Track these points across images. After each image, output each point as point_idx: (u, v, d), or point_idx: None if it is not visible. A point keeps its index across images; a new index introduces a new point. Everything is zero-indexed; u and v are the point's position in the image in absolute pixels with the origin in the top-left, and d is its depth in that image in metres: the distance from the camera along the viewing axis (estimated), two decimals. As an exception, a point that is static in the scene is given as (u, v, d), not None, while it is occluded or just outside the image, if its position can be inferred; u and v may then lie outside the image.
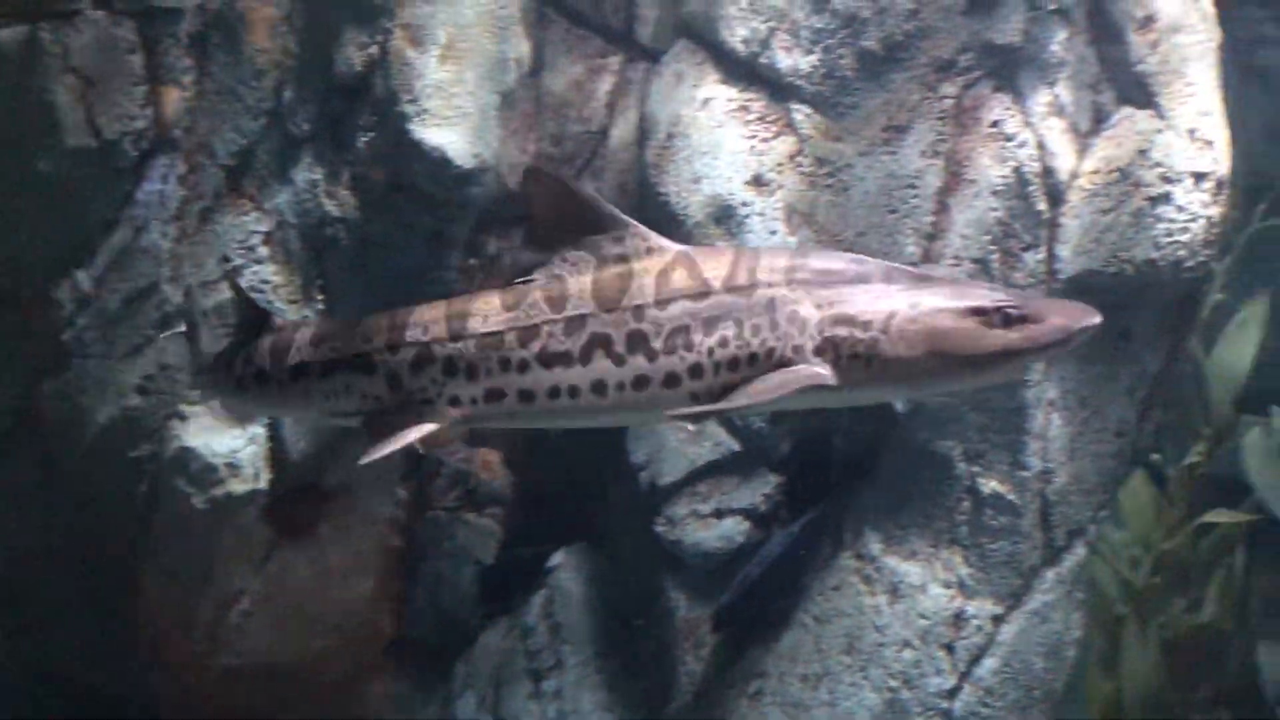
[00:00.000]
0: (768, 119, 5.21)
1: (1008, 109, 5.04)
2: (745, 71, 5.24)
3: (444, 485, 5.73)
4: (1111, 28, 4.99)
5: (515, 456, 5.71)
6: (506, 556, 5.74)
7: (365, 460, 3.42)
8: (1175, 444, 5.70)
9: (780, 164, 5.17)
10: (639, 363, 3.11)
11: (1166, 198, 4.94)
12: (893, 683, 5.14)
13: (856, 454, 5.30)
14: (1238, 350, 5.74)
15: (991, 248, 5.02)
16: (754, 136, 5.20)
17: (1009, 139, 5.01)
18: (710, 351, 3.07)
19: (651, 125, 5.36)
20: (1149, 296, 5.08)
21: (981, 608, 5.16)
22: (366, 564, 5.57)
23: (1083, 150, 5.04)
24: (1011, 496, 5.15)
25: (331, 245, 5.27)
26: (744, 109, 5.23)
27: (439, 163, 5.02)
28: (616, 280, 3.17)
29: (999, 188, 5.00)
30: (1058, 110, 5.02)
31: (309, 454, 5.29)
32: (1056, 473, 5.18)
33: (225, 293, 4.99)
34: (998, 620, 5.16)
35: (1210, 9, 5.14)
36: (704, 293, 3.11)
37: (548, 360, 3.19)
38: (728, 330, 3.07)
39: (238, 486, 5.16)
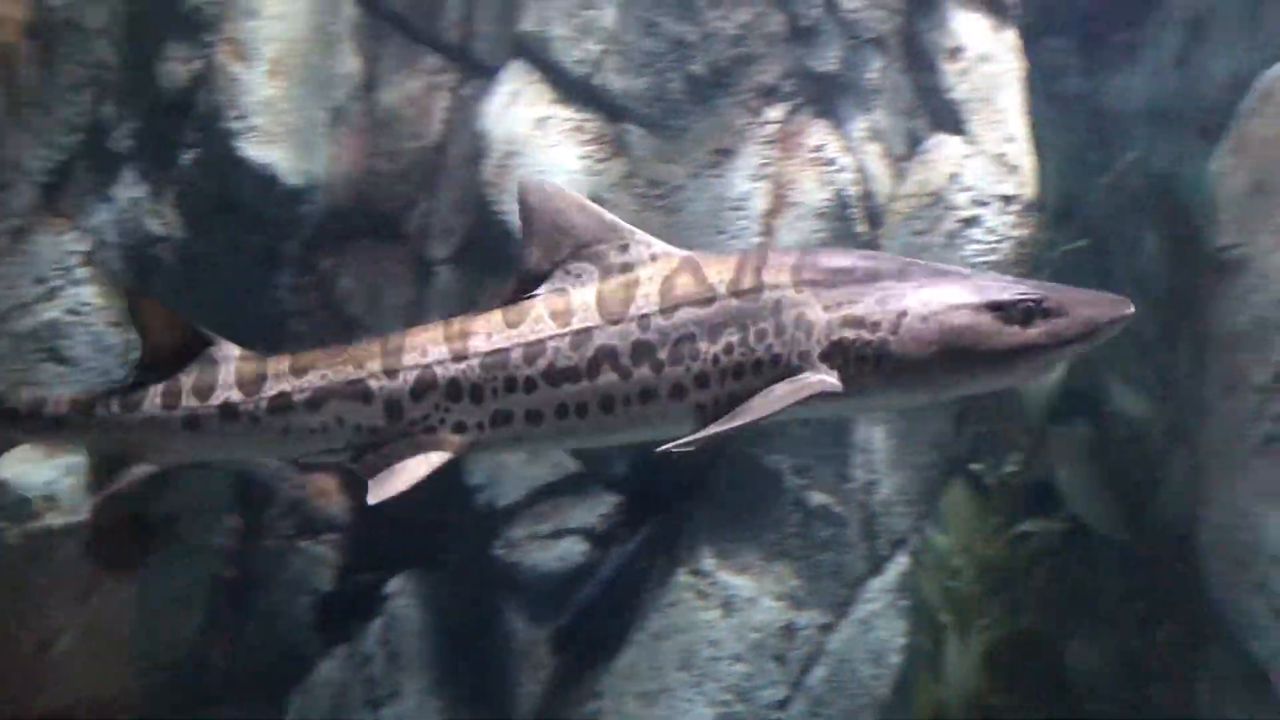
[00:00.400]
0: (603, 140, 5.29)
1: (829, 134, 5.23)
2: (580, 92, 5.31)
3: (277, 513, 5.61)
4: (924, 57, 5.23)
5: (352, 481, 5.62)
6: (344, 584, 5.64)
7: (375, 500, 3.11)
8: (994, 454, 5.96)
9: (615, 184, 5.26)
10: (644, 374, 2.98)
11: (977, 220, 5.20)
12: (726, 696, 5.22)
13: (691, 471, 5.39)
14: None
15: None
16: (590, 157, 5.28)
17: (830, 163, 5.20)
18: (716, 360, 2.95)
19: (488, 143, 5.38)
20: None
21: (810, 618, 5.29)
22: (195, 596, 5.41)
23: (899, 174, 5.27)
24: (837, 508, 5.30)
25: (156, 266, 5.12)
26: (580, 129, 5.30)
27: (267, 180, 4.95)
28: (621, 290, 3.04)
29: (822, 210, 5.18)
30: (875, 136, 5.23)
31: (132, 483, 5.10)
32: (880, 484, 5.36)
33: (42, 316, 4.77)
34: (826, 630, 5.29)
35: (1015, 40, 5.43)
36: (709, 298, 2.98)
37: (555, 377, 3.02)
38: (732, 337, 2.94)
39: (55, 520, 4.95)
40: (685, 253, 3.11)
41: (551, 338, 3.03)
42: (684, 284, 2.99)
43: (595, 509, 5.38)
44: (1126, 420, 5.98)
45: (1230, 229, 5.67)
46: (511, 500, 5.35)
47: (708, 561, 5.33)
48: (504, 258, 5.44)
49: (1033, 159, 5.38)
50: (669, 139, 5.30)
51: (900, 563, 5.42)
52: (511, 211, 5.31)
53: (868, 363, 2.88)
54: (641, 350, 2.97)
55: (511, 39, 5.48)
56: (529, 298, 3.12)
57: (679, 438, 2.92)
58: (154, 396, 3.34)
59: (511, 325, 3.08)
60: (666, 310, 2.97)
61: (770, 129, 5.25)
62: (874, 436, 5.33)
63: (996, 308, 2.89)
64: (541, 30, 5.37)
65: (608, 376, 2.98)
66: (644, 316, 2.99)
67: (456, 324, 3.16)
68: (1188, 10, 7.32)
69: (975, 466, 5.51)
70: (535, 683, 5.36)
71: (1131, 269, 7.37)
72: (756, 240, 5.20)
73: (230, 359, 3.34)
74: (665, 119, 5.29)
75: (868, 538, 5.37)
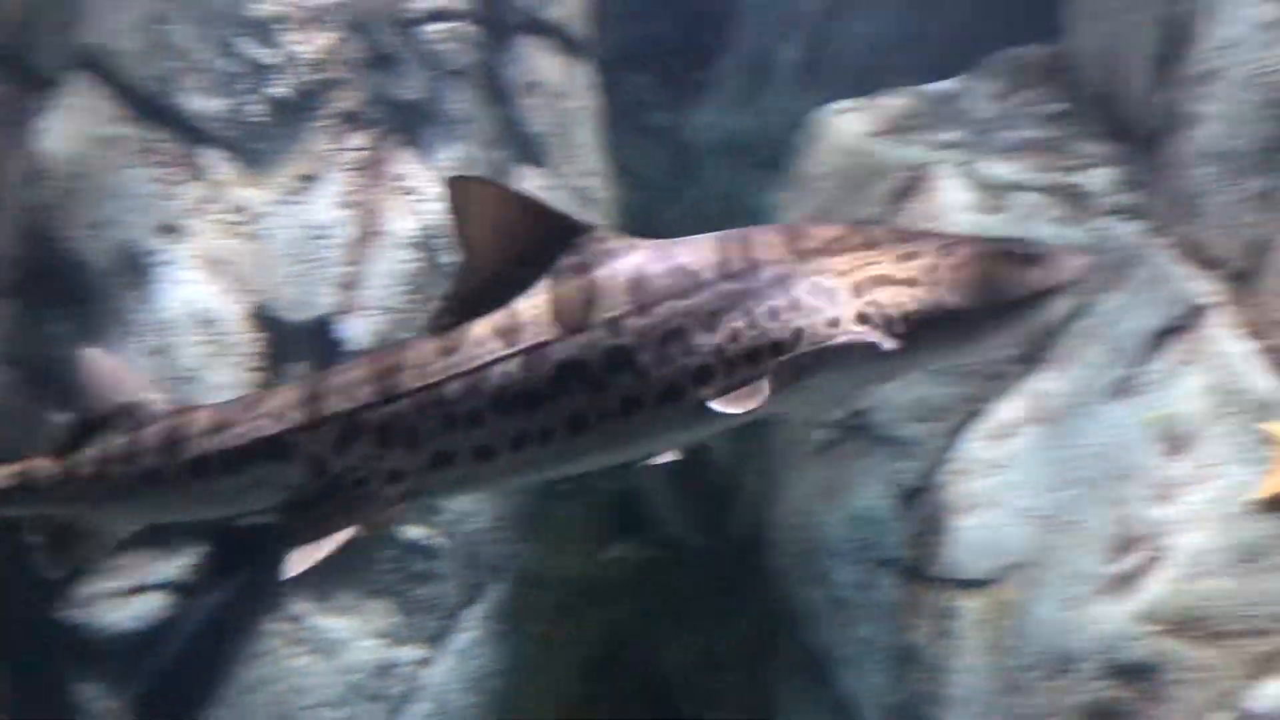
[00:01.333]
0: (178, 161, 5.01)
1: (414, 164, 5.20)
2: (152, 111, 5.01)
3: None
4: (504, 91, 5.32)
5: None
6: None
7: (292, 572, 2.64)
8: (586, 477, 6.18)
9: (191, 210, 4.98)
10: (624, 383, 2.56)
11: (560, 249, 5.35)
12: (325, 743, 5.06)
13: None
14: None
15: (405, 298, 5.15)
16: (163, 180, 4.98)
17: (416, 193, 5.18)
18: (720, 350, 2.56)
19: (48, 164, 4.95)
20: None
21: (408, 654, 5.21)
22: None
23: (484, 204, 5.33)
24: (433, 540, 5.27)
25: None
26: (151, 151, 4.99)
27: None
28: (579, 294, 2.61)
29: (409, 240, 5.14)
30: (461, 166, 5.26)
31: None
32: (477, 514, 5.38)
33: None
34: (424, 664, 5.24)
35: (592, 77, 5.64)
36: (695, 287, 2.60)
37: (506, 405, 2.59)
38: (737, 322, 2.57)
39: None
40: (650, 242, 2.72)
41: (497, 360, 2.60)
42: (657, 275, 2.61)
43: (180, 559, 5.03)
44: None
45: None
46: (80, 555, 4.89)
47: (300, 606, 5.12)
48: (73, 289, 5.04)
49: (610, 193, 5.61)
50: (250, 163, 5.08)
51: (498, 589, 5.47)
52: (79, 238, 4.95)
53: (912, 319, 2.60)
54: (617, 357, 2.57)
55: (75, 51, 5.06)
56: (463, 319, 2.67)
57: (672, 449, 2.68)
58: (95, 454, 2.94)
59: (447, 353, 2.64)
60: (643, 308, 2.59)
61: (355, 156, 5.15)
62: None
63: (1008, 254, 2.73)
64: (108, 43, 5.00)
65: (575, 395, 2.58)
66: (613, 320, 2.59)
67: (385, 358, 2.73)
68: (753, 55, 7.97)
69: (568, 489, 5.66)
70: (115, 756, 4.94)
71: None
72: (345, 270, 5.08)
73: (147, 419, 2.92)
74: (247, 142, 5.07)
75: (466, 567, 5.37)
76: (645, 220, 7.85)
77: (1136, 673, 4.42)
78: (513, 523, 5.50)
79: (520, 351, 2.60)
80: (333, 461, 2.71)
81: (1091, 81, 6.09)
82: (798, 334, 2.58)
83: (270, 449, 2.75)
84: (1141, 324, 4.81)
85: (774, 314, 2.60)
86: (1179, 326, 4.73)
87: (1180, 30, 4.91)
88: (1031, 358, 5.18)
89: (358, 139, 5.15)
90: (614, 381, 2.57)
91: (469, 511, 5.30)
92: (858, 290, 2.61)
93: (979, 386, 5.29)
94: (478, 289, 2.66)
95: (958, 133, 6.14)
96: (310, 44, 5.09)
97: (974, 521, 4.97)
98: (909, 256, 2.66)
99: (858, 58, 7.42)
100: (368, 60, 5.15)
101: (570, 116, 5.47)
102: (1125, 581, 4.54)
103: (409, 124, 5.22)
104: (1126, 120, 5.68)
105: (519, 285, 2.63)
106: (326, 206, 5.11)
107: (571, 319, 2.60)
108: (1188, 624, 4.37)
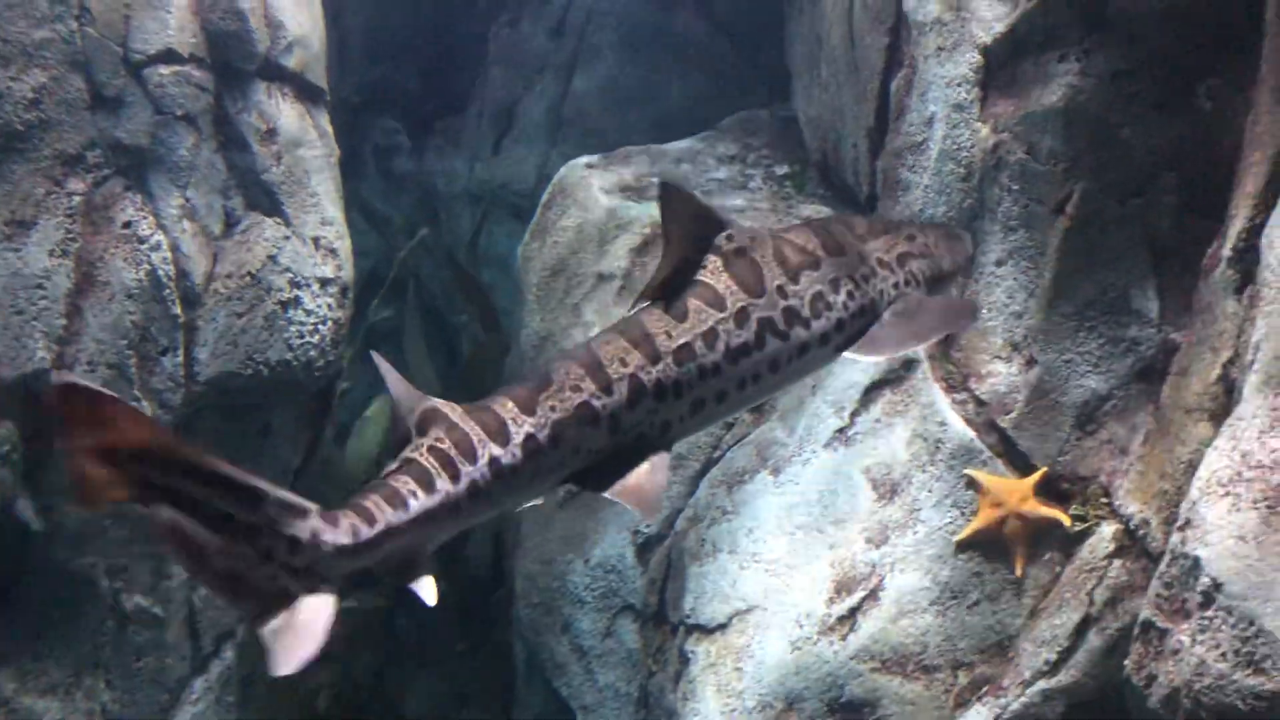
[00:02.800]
0: None
1: (140, 210, 4.95)
2: None
3: None
4: (238, 138, 5.15)
5: None
6: None
7: (648, 517, 3.28)
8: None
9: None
10: (799, 333, 3.40)
11: (296, 301, 5.21)
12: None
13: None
14: (368, 439, 6.30)
15: (129, 352, 4.87)
16: None
17: (142, 241, 4.92)
18: (845, 306, 3.48)
19: None
20: (286, 395, 5.31)
21: (134, 731, 4.94)
22: None
23: (216, 254, 5.14)
24: (156, 609, 5.01)
25: None
26: None
27: None
28: (749, 270, 3.40)
29: (134, 290, 4.89)
30: (190, 213, 5.05)
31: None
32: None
33: None
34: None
35: (328, 126, 5.55)
36: (816, 262, 3.48)
37: (734, 356, 3.33)
38: (849, 285, 3.50)
39: None
40: (766, 230, 3.58)
41: (719, 323, 3.32)
42: (792, 255, 3.46)
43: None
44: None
45: (534, 307, 6.26)
46: None
47: (7, 686, 4.75)
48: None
49: (349, 242, 5.51)
50: (-45, 206, 4.72)
51: (226, 657, 5.25)
52: None
53: (928, 280, 3.72)
54: (791, 314, 3.40)
55: None
56: (669, 297, 3.34)
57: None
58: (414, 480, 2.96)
59: (681, 319, 3.31)
60: (792, 277, 3.42)
61: (75, 201, 4.86)
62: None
63: (952, 234, 4.00)
64: None
65: (773, 343, 3.36)
66: (779, 287, 3.41)
67: (631, 328, 3.29)
68: (499, 105, 8.03)
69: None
70: None
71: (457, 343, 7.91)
72: (62, 323, 4.78)
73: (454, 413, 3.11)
74: (-49, 183, 4.71)
75: (190, 636, 5.13)
76: (387, 266, 7.80)
77: (855, 709, 4.68)
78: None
79: (732, 314, 3.35)
80: (625, 419, 3.20)
81: (816, 147, 6.47)
82: (881, 294, 3.61)
83: (583, 416, 3.16)
84: (858, 376, 5.13)
85: (867, 278, 3.59)
86: (891, 379, 5.07)
87: (892, 105, 5.29)
88: (761, 407, 5.44)
89: (79, 183, 4.87)
90: (792, 331, 3.41)
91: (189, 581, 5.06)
92: (901, 263, 3.68)
93: (714, 435, 5.50)
94: (672, 273, 3.38)
95: (695, 190, 6.39)
96: (24, 80, 4.79)
97: (708, 567, 5.15)
98: (911, 238, 3.78)
99: (600, 113, 7.60)
100: (89, 101, 4.89)
101: (307, 164, 5.34)
102: (844, 622, 4.80)
103: (135, 168, 4.96)
104: (847, 184, 6.07)
105: (699, 267, 3.40)
106: (41, 254, 4.80)
107: (752, 288, 3.39)
108: (899, 660, 4.67)
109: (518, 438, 3.08)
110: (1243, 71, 4.32)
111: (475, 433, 3.04)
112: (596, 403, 3.17)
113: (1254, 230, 4.02)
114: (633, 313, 3.35)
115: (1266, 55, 4.07)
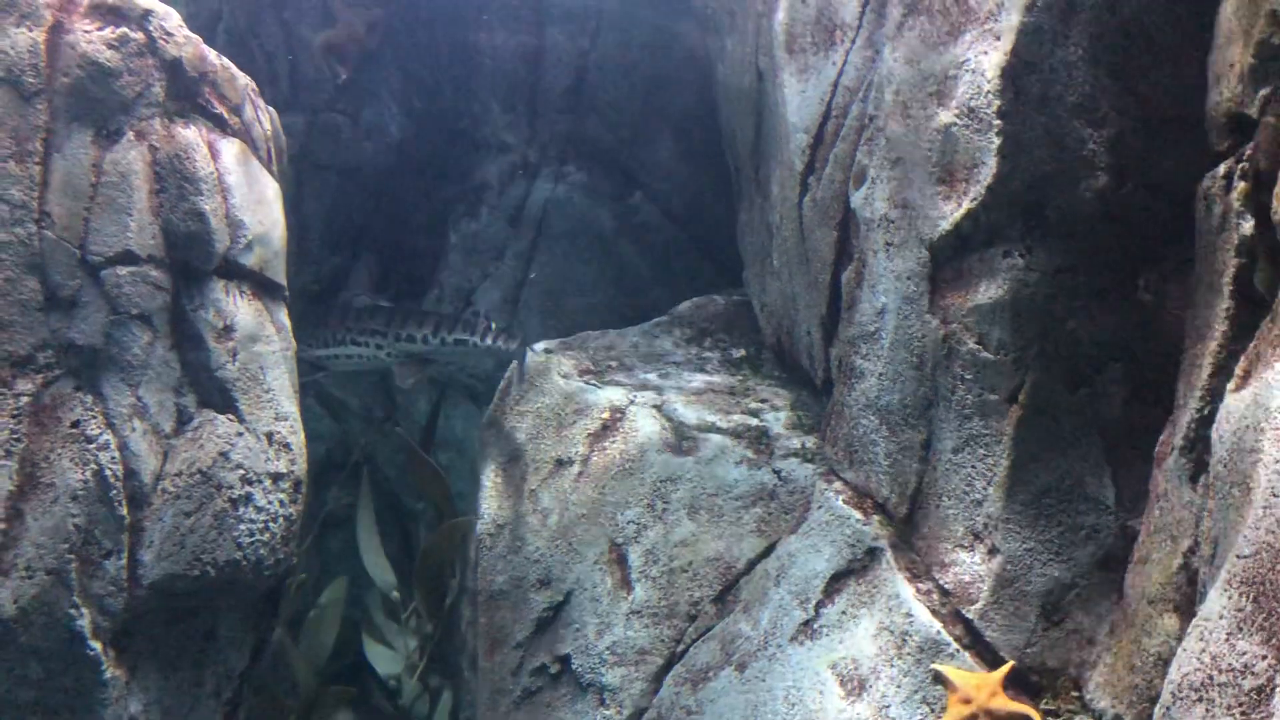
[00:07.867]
0: None
1: (89, 409, 4.88)
2: None
3: None
4: (193, 335, 5.11)
5: None
6: None
7: None
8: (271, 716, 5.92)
9: None
10: None
11: (247, 499, 5.11)
12: None
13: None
14: (323, 630, 6.13)
15: (69, 556, 4.71)
16: None
17: (90, 440, 4.83)
18: None
19: None
20: (234, 596, 5.15)
21: None
22: None
23: (166, 452, 5.05)
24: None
25: None
26: None
27: None
28: None
29: (79, 492, 4.77)
30: (140, 412, 4.98)
31: None
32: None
33: None
34: None
35: (286, 320, 5.54)
36: None
37: None
38: None
39: None
40: None
41: None
42: None
43: None
44: (381, 679, 6.49)
45: (491, 493, 6.19)
46: None
47: None
48: None
49: (302, 437, 5.44)
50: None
51: None
52: None
53: None
54: None
55: None
56: None
57: None
58: None
59: None
60: None
61: (23, 402, 4.79)
62: (135, 706, 4.88)
63: None
64: None
65: None
66: None
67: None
68: (457, 291, 8.12)
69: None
70: None
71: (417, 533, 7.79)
72: (0, 529, 4.64)
73: None
74: (-107, 382, 4.63)
75: None
76: (342, 451, 7.73)
77: None
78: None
79: None
80: None
81: (771, 331, 6.55)
82: None
83: None
84: (821, 566, 5.06)
85: None
86: (854, 569, 5.00)
87: (844, 295, 5.38)
88: (723, 598, 5.33)
89: (27, 384, 4.80)
90: None
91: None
92: None
93: (677, 629, 5.37)
94: None
95: (652, 375, 6.43)
96: (-26, 281, 4.77)
97: (673, 770, 4.96)
98: None
99: (558, 299, 7.71)
100: (42, 302, 4.86)
101: (263, 359, 5.30)
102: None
103: (86, 368, 4.91)
104: (802, 368, 6.12)
105: None
106: (-17, 455, 4.71)
107: None
108: None
109: None
110: (1178, 265, 4.44)
111: None
112: None
113: (1204, 420, 4.06)
114: None
115: (1198, 251, 4.19)
